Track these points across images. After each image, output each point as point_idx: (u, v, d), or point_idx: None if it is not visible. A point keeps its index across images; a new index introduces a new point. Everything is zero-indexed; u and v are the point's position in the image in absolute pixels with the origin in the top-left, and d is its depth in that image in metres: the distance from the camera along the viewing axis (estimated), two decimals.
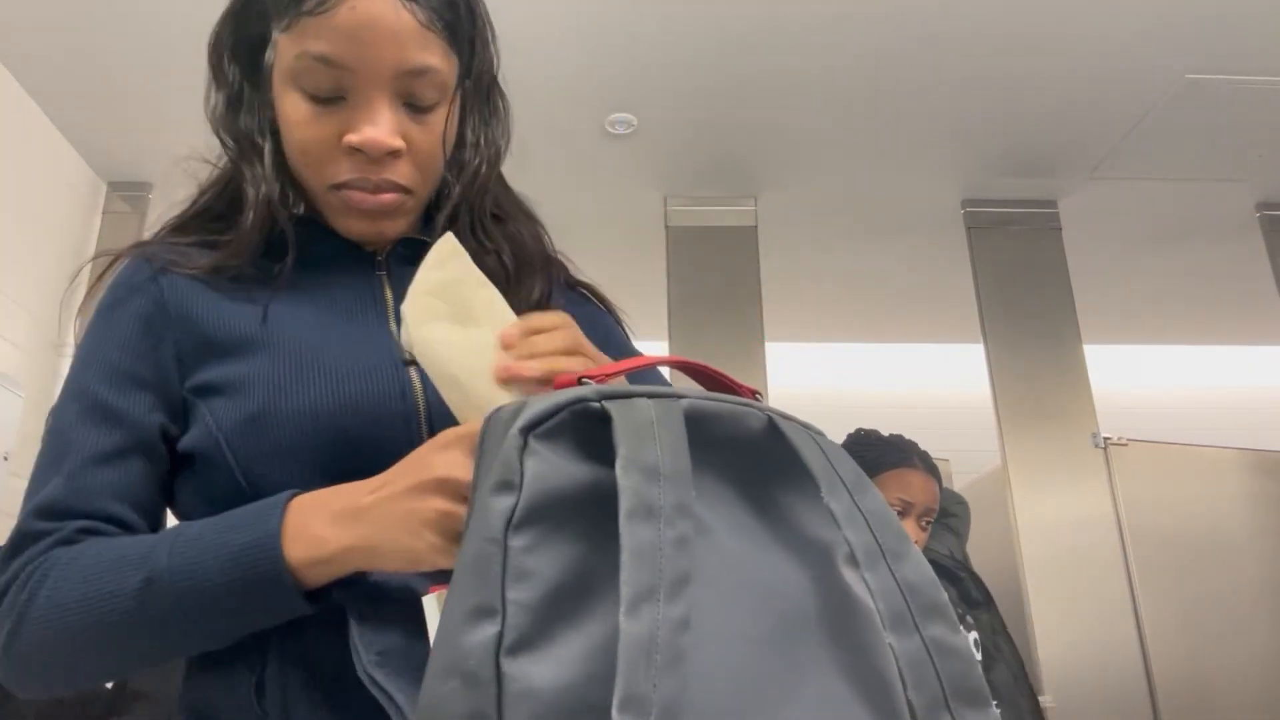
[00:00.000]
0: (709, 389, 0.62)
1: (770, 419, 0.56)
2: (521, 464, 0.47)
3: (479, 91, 0.80)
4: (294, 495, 0.63)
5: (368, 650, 0.60)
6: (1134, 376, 4.50)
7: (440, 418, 0.68)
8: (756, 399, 0.59)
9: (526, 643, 0.44)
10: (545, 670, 0.44)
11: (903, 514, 2.01)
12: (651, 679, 0.42)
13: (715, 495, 0.53)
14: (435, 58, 0.71)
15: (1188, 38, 2.70)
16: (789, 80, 2.89)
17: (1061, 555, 3.05)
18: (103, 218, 3.28)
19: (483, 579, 0.45)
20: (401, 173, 0.72)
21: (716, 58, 2.79)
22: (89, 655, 0.63)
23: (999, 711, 1.70)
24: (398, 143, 0.71)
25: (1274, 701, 2.99)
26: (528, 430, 0.49)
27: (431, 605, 0.61)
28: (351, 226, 0.75)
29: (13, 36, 2.65)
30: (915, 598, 0.52)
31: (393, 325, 0.74)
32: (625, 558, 0.44)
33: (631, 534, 0.45)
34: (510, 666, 0.43)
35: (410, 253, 0.75)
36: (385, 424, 0.68)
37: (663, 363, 0.63)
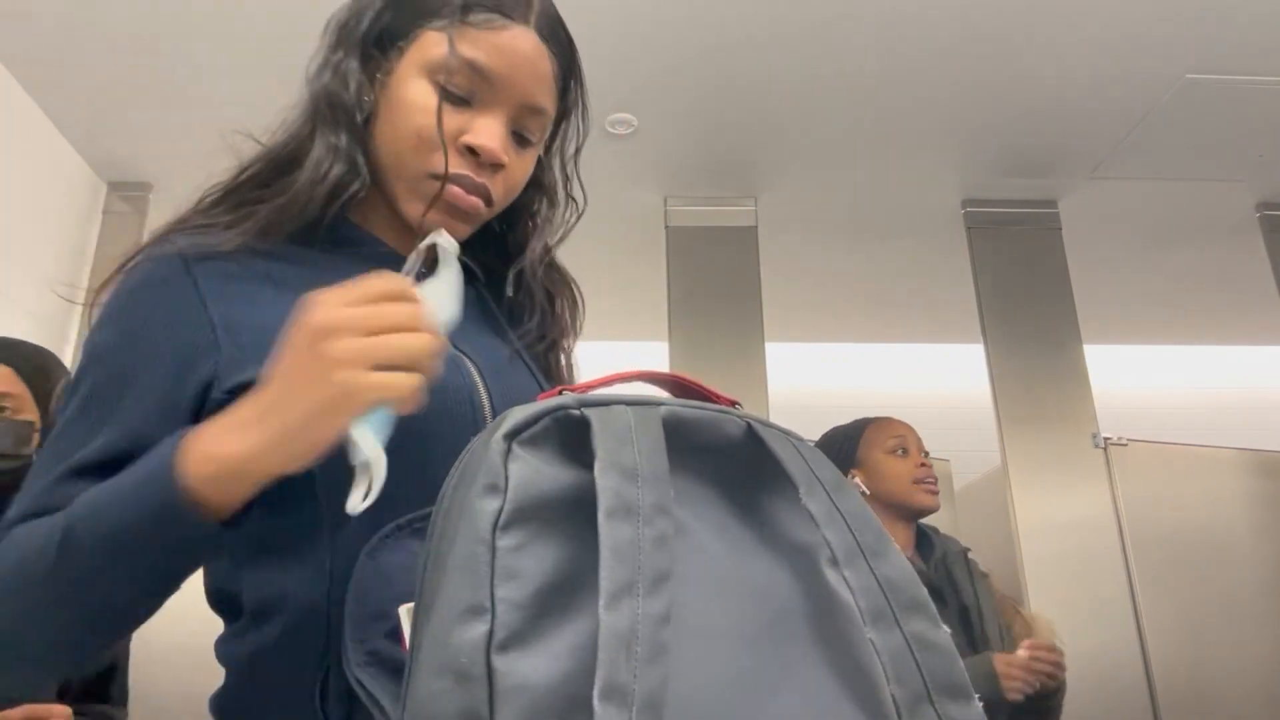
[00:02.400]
0: (688, 399, 0.64)
1: (749, 425, 0.58)
2: (506, 468, 0.49)
3: (565, 161, 0.89)
4: (184, 432, 0.62)
5: (357, 650, 0.61)
6: (1134, 376, 4.50)
7: (500, 398, 0.74)
8: (736, 408, 0.60)
9: (517, 639, 0.45)
10: (535, 665, 0.44)
11: (906, 450, 2.04)
12: (632, 670, 0.43)
13: (697, 499, 0.54)
14: (550, 104, 0.81)
15: (1188, 38, 2.70)
16: (789, 80, 2.89)
17: (1061, 555, 3.05)
18: (103, 218, 3.28)
19: (472, 579, 0.46)
20: (495, 186, 0.79)
21: (716, 58, 2.79)
22: (33, 626, 0.62)
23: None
24: (506, 158, 0.78)
25: (1274, 701, 2.99)
26: (511, 436, 0.50)
27: (405, 617, 0.61)
28: (430, 215, 0.77)
29: (13, 36, 2.65)
30: (895, 594, 0.53)
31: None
32: (604, 554, 0.45)
33: (610, 531, 0.46)
34: (501, 662, 0.44)
35: (430, 274, 0.80)
36: (450, 424, 0.70)
37: (639, 377, 0.64)
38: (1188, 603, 3.05)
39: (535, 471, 0.49)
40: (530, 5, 0.78)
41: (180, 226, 0.76)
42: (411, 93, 0.76)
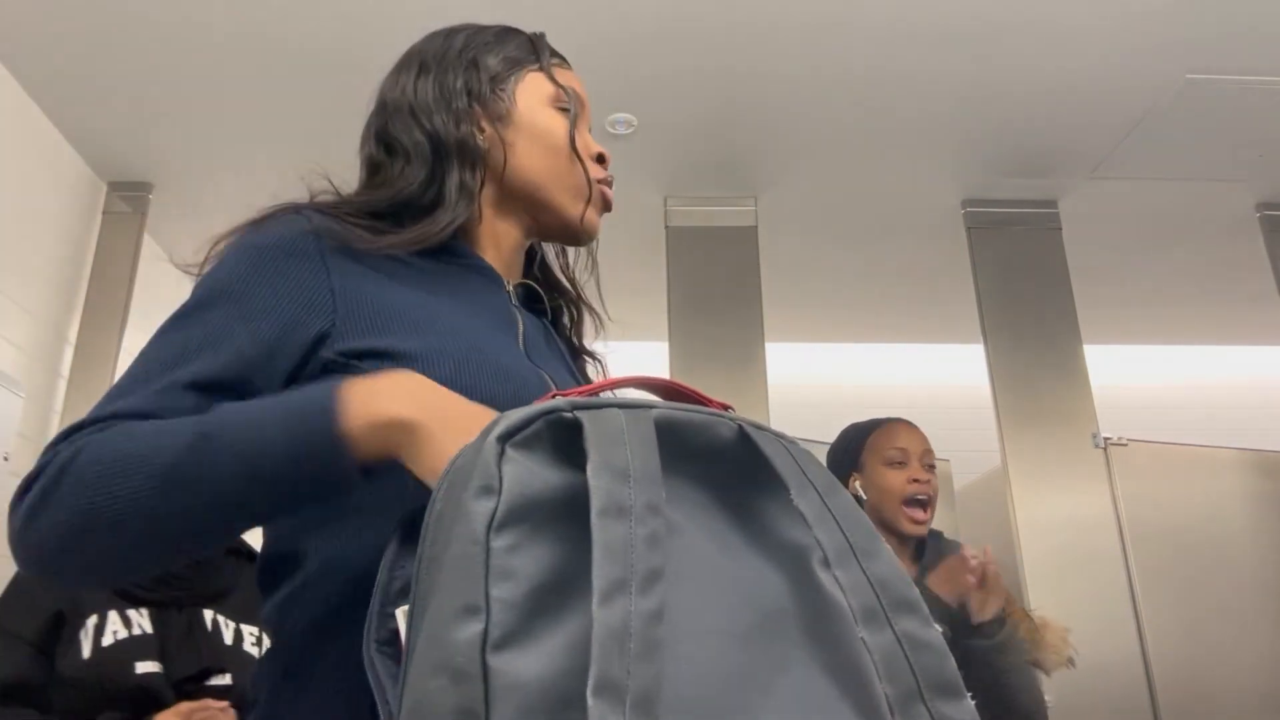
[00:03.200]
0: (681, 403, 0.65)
1: (741, 428, 0.58)
2: (500, 470, 0.49)
3: None
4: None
5: (382, 627, 0.60)
6: (1134, 376, 4.50)
7: None
8: (728, 412, 0.61)
9: (511, 638, 0.45)
10: (530, 663, 0.45)
11: (904, 463, 2.02)
12: (625, 666, 0.43)
13: (690, 501, 0.55)
14: None
15: (1188, 38, 2.70)
16: (789, 80, 2.89)
17: (1061, 555, 3.05)
18: (103, 218, 3.28)
19: (467, 578, 0.47)
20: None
21: (717, 58, 2.79)
22: (128, 511, 0.61)
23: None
24: None
25: (1274, 701, 2.99)
26: (504, 439, 0.51)
27: (402, 619, 0.61)
28: (592, 216, 0.95)
29: (13, 36, 2.65)
30: (886, 593, 0.53)
31: (521, 348, 0.86)
32: (597, 552, 0.46)
33: (603, 530, 0.47)
34: (496, 661, 0.44)
35: (524, 293, 0.95)
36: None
37: (631, 383, 0.65)
38: (1188, 603, 3.05)
39: (529, 473, 0.50)
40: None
41: (318, 207, 0.82)
42: (549, 122, 0.93)
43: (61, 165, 3.10)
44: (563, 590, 0.47)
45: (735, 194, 3.46)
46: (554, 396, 0.57)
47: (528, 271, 0.99)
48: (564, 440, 0.52)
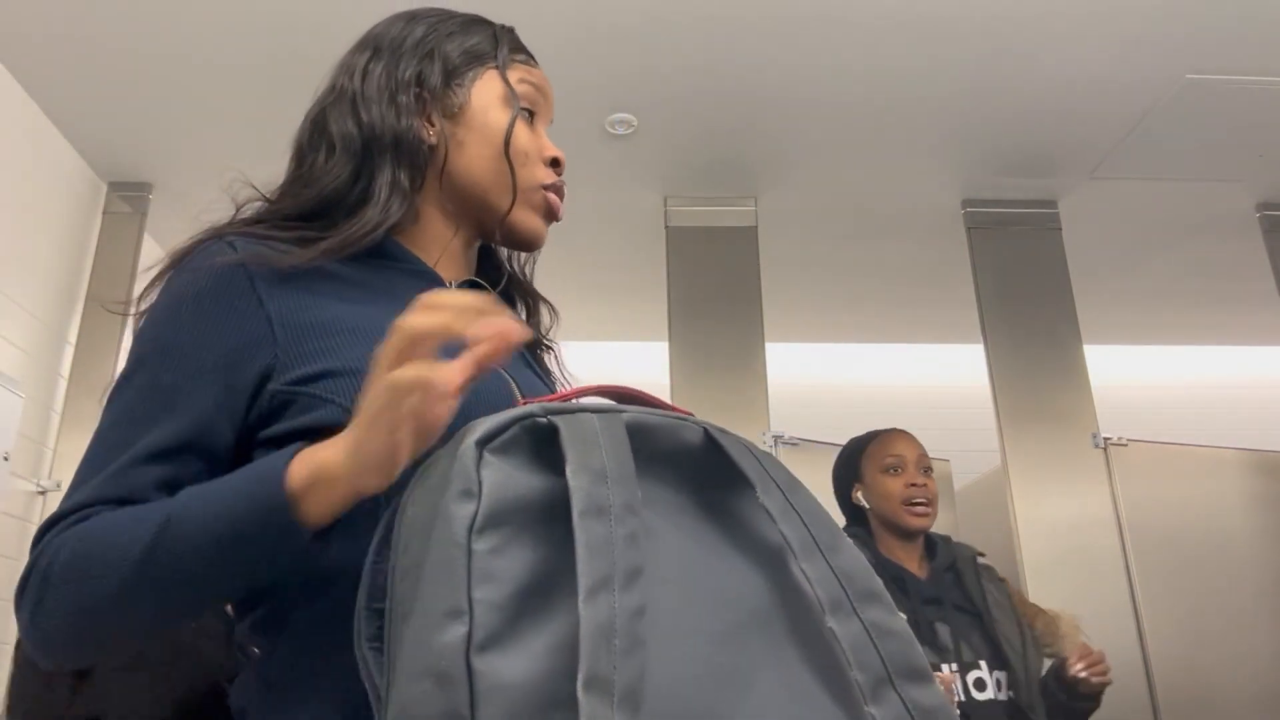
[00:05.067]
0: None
1: (705, 431, 0.60)
2: (479, 474, 0.50)
3: None
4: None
5: (369, 626, 0.60)
6: (1134, 376, 4.50)
7: (531, 392, 0.78)
8: (690, 418, 0.63)
9: (495, 639, 0.46)
10: (514, 664, 0.45)
11: (901, 469, 2.06)
12: (612, 661, 0.43)
13: (664, 502, 0.56)
14: None
15: (1188, 38, 2.70)
16: (789, 80, 2.89)
17: (1061, 555, 3.05)
18: (103, 218, 3.28)
19: (449, 582, 0.47)
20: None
21: (717, 58, 2.79)
22: (112, 606, 0.65)
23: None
24: None
25: (1274, 701, 2.99)
26: (482, 444, 0.51)
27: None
28: (535, 224, 0.90)
29: (13, 36, 2.65)
30: (851, 584, 0.55)
31: None
32: (581, 551, 0.47)
33: (585, 530, 0.48)
34: (480, 663, 0.45)
35: (471, 290, 0.89)
36: (489, 402, 0.75)
37: (594, 391, 0.66)
38: (1188, 602, 3.05)
39: (507, 477, 0.51)
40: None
41: (239, 230, 0.80)
42: (502, 121, 0.88)
43: (61, 165, 3.10)
44: (545, 591, 0.48)
45: (735, 194, 3.46)
46: (524, 404, 0.57)
47: (481, 269, 0.96)
48: (540, 445, 0.53)
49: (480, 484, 0.49)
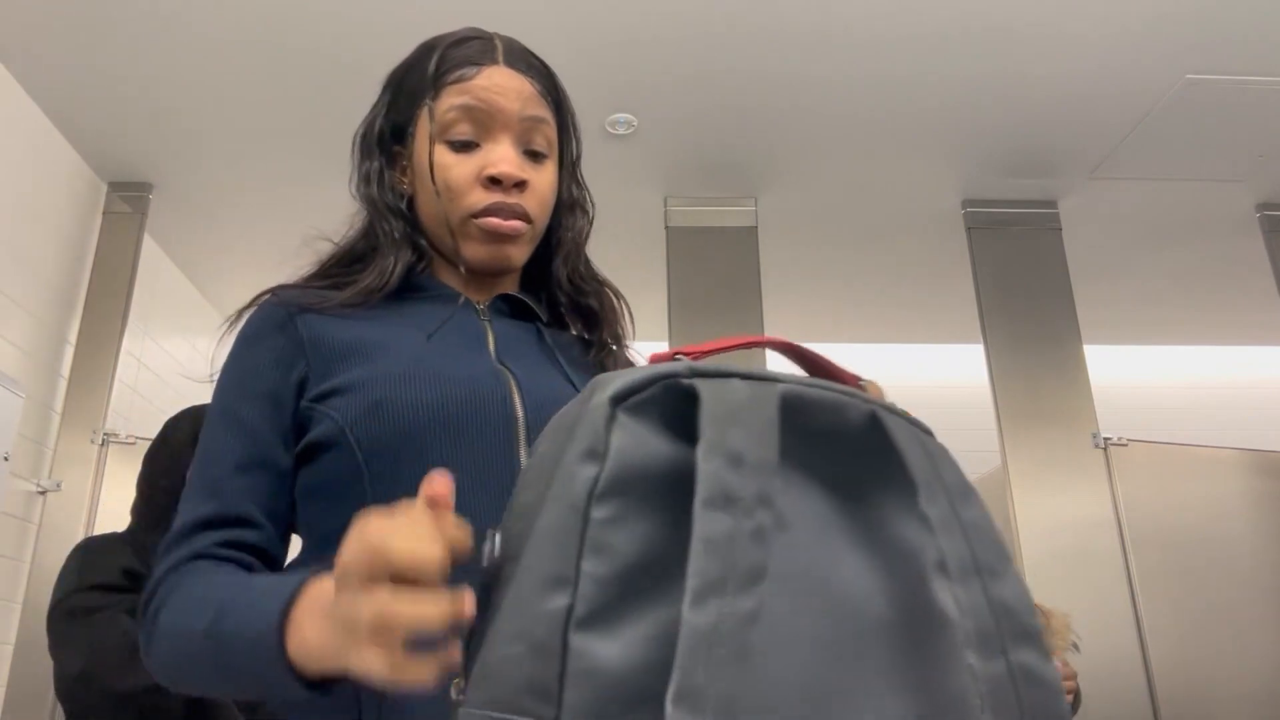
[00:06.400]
0: (811, 375, 0.59)
1: (874, 412, 0.53)
2: (608, 434, 0.46)
3: (570, 172, 0.99)
4: (310, 580, 0.63)
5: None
6: (1134, 376, 4.50)
7: (534, 412, 0.80)
8: (860, 388, 0.56)
9: (596, 617, 0.43)
10: (611, 649, 0.42)
11: None
12: (710, 673, 0.40)
13: (802, 489, 0.50)
14: (545, 112, 0.91)
15: (1188, 38, 2.70)
16: (789, 81, 2.89)
17: (1061, 555, 3.05)
18: (103, 218, 3.28)
19: (561, 548, 0.44)
20: (527, 202, 0.88)
21: (717, 58, 2.79)
22: (191, 670, 0.73)
23: None
24: (525, 174, 0.88)
25: (1274, 702, 2.99)
26: (617, 401, 0.47)
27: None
28: (480, 253, 0.88)
29: (13, 36, 2.65)
30: (1007, 620, 0.49)
31: (492, 355, 0.86)
32: (696, 546, 0.42)
33: (705, 522, 0.43)
34: (577, 640, 0.42)
35: (508, 308, 0.92)
36: (486, 415, 0.79)
37: (761, 343, 0.61)
38: (1188, 602, 3.05)
39: (636, 443, 0.46)
40: (494, 49, 0.90)
41: (288, 288, 0.90)
42: (433, 158, 0.87)
43: (61, 165, 3.10)
44: (654, 574, 0.44)
45: (735, 194, 3.46)
46: (676, 356, 0.52)
47: (524, 284, 0.97)
48: (678, 408, 0.47)
49: (608, 446, 0.45)
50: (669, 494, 0.45)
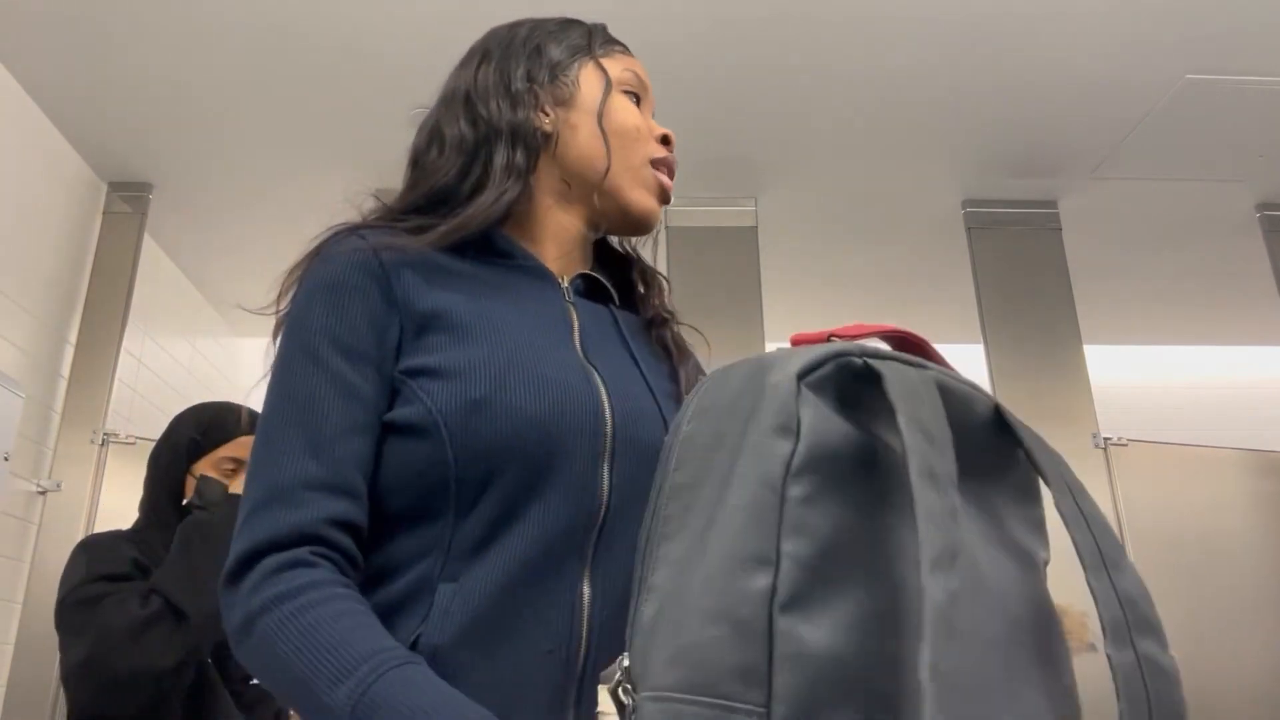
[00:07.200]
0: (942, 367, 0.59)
1: (998, 407, 0.53)
2: (798, 410, 0.44)
3: None
4: None
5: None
6: (1134, 376, 4.50)
7: (622, 429, 0.77)
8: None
9: (800, 600, 0.41)
10: (817, 633, 0.41)
11: None
12: (944, 648, 0.38)
13: None
14: None
15: (1188, 38, 2.70)
16: (789, 80, 2.89)
17: (1061, 555, 3.05)
18: (103, 218, 3.28)
19: (759, 525, 0.42)
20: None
21: (717, 57, 2.79)
22: (283, 690, 0.68)
23: None
24: None
25: (1274, 702, 2.99)
26: (801, 376, 0.45)
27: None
28: (648, 203, 0.92)
29: (13, 36, 2.65)
30: (1131, 610, 0.49)
31: (578, 349, 0.83)
32: (922, 516, 0.40)
33: (923, 494, 0.41)
34: (783, 622, 0.41)
35: (586, 287, 0.91)
36: (578, 427, 0.75)
37: (883, 331, 0.62)
38: (1187, 603, 3.05)
39: (824, 420, 0.45)
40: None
41: (366, 226, 0.85)
42: (614, 104, 0.91)
43: (61, 165, 3.10)
44: (851, 556, 0.42)
45: (735, 194, 3.46)
46: (830, 338, 0.51)
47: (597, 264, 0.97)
48: (851, 388, 0.46)
49: (799, 421, 0.44)
50: (852, 474, 0.44)
